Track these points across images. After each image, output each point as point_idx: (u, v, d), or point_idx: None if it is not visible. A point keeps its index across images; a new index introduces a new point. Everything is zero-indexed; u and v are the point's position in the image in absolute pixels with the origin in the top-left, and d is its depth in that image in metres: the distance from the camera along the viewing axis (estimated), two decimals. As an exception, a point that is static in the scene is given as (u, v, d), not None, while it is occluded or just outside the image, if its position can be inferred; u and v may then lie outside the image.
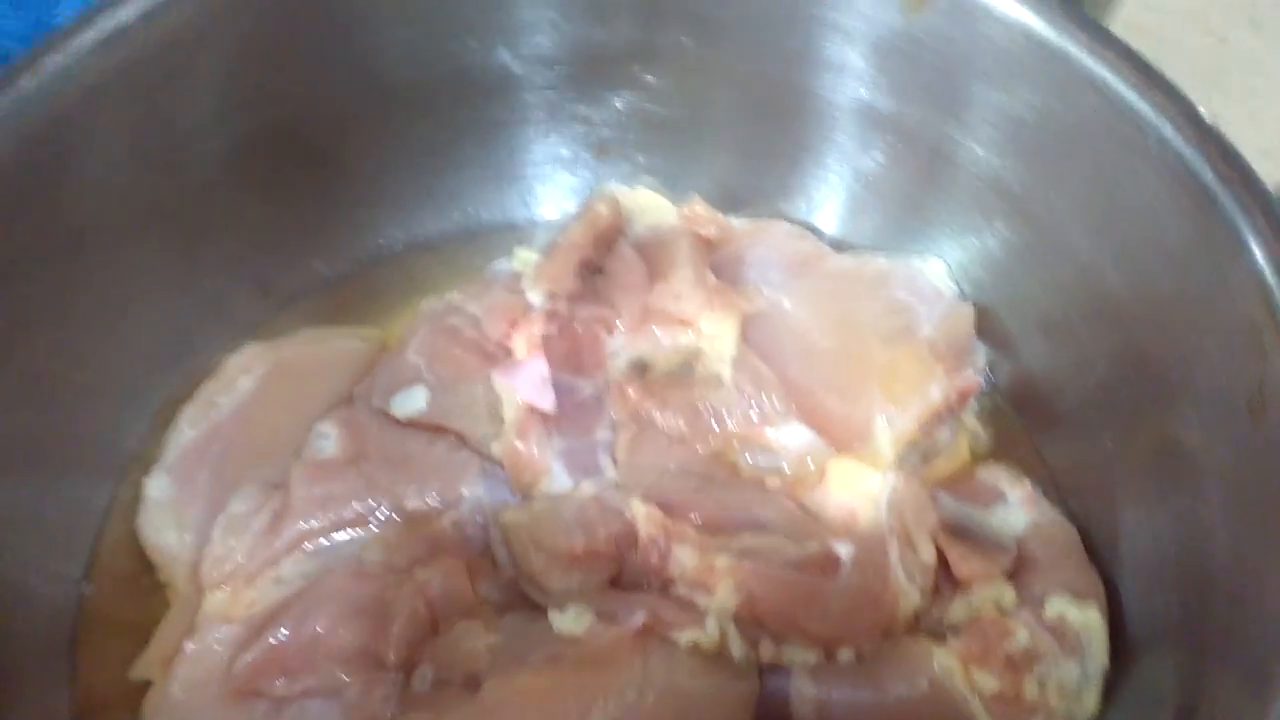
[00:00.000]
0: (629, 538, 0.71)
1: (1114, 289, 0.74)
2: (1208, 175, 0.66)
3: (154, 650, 0.74)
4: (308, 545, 0.76)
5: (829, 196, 0.93)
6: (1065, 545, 0.75)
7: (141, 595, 0.78)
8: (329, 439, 0.81)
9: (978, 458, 0.84)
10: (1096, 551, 0.76)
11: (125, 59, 0.73)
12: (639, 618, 0.68)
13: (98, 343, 0.79)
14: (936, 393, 0.77)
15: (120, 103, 0.74)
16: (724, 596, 0.69)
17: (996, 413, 0.86)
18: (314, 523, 0.76)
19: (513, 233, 0.98)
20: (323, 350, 0.88)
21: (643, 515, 0.71)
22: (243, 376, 0.85)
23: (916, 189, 0.86)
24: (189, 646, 0.72)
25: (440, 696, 0.67)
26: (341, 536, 0.76)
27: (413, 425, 0.80)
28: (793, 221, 0.93)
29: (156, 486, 0.80)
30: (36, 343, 0.74)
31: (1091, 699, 0.70)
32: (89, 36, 0.71)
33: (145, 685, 0.73)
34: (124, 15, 0.72)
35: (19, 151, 0.70)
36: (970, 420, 0.85)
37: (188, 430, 0.82)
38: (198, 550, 0.77)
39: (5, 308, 0.71)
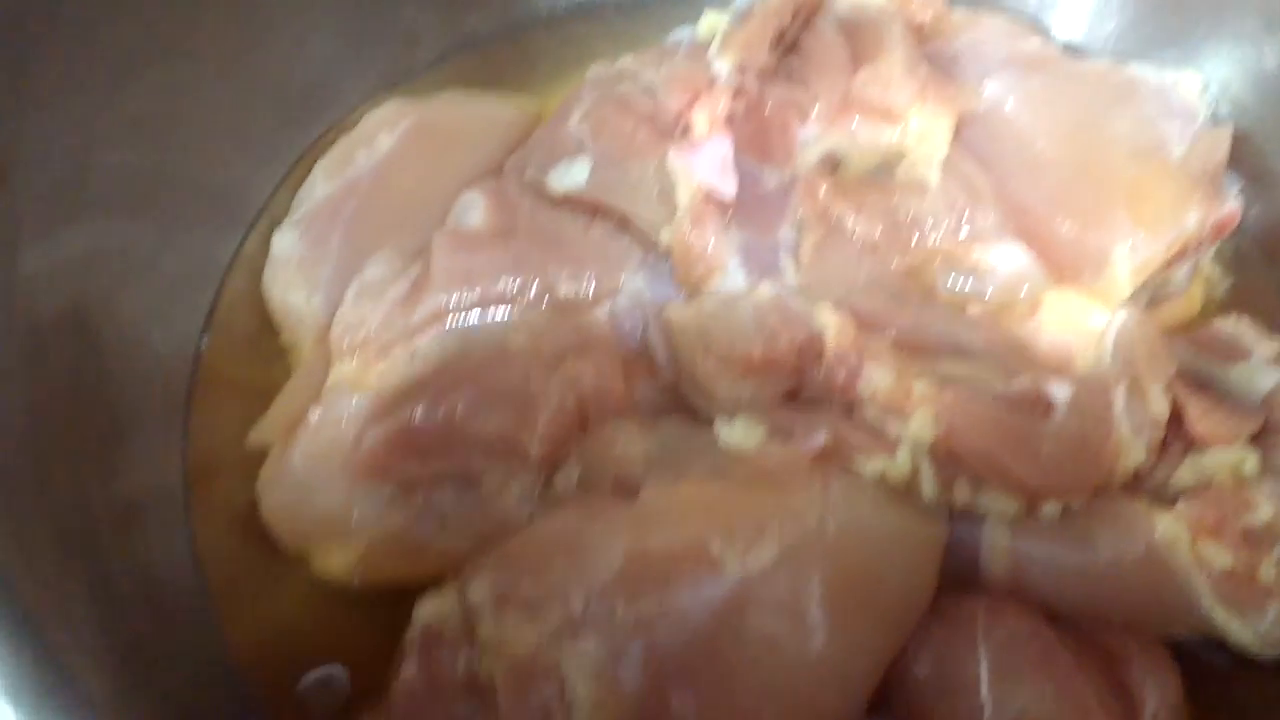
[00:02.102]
0: (813, 349, 0.62)
1: None
2: None
3: (274, 415, 0.68)
4: (447, 321, 0.68)
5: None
6: (1323, 414, 0.64)
7: (262, 357, 0.71)
8: (476, 209, 0.72)
9: (1212, 306, 0.73)
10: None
11: None
12: (820, 437, 0.59)
13: (227, 79, 0.71)
14: (1193, 221, 0.65)
15: None
16: (920, 426, 0.59)
17: (1239, 257, 0.74)
18: (455, 297, 0.68)
19: (688, 5, 0.86)
20: (472, 114, 0.78)
21: (833, 326, 0.62)
22: (384, 133, 0.76)
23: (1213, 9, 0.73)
24: (314, 413, 0.65)
25: (589, 498, 0.59)
26: (484, 316, 0.68)
27: (570, 202, 0.71)
28: (1018, 16, 0.81)
29: (285, 242, 0.72)
30: (155, 75, 0.65)
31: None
32: None
33: (261, 453, 0.67)
34: None
35: None
36: (1207, 264, 0.73)
37: (322, 184, 0.74)
38: (327, 313, 0.70)
39: (122, 31, 0.62)
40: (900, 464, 0.59)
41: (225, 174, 0.73)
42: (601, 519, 0.56)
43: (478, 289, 0.68)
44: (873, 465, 0.59)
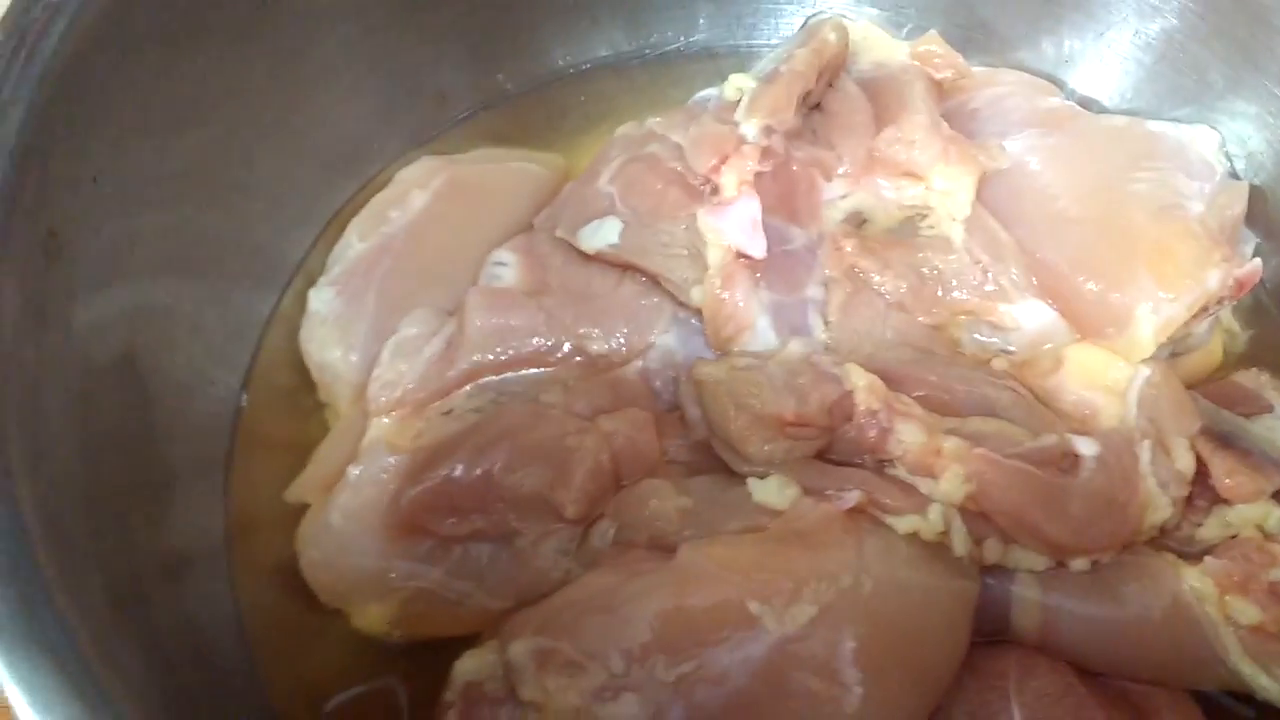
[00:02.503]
0: (844, 408, 0.63)
1: None
2: None
3: (312, 472, 0.69)
4: (482, 379, 0.69)
5: (1088, 49, 0.81)
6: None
7: (299, 413, 0.73)
8: (507, 266, 0.74)
9: (1232, 359, 0.74)
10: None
11: None
12: (853, 496, 0.60)
13: (267, 137, 0.72)
14: (1214, 280, 0.66)
15: None
16: (951, 484, 0.61)
17: (1258, 310, 0.75)
18: (490, 356, 0.69)
19: (710, 61, 0.88)
20: (502, 171, 0.80)
21: (864, 384, 0.63)
22: (416, 190, 0.77)
23: (1207, 51, 0.74)
24: (353, 472, 0.67)
25: (625, 556, 0.60)
26: (519, 373, 0.70)
27: (600, 260, 0.72)
28: (1034, 73, 0.82)
29: (321, 299, 0.74)
30: (207, 129, 0.67)
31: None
32: None
33: (300, 508, 0.68)
34: None
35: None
36: (1227, 317, 0.75)
37: (356, 242, 0.76)
38: (363, 371, 0.71)
39: (183, 81, 0.64)
40: (932, 522, 0.60)
41: (263, 233, 0.74)
42: (639, 578, 0.57)
43: (512, 347, 0.70)
44: (905, 523, 0.60)
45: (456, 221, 0.77)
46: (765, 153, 0.71)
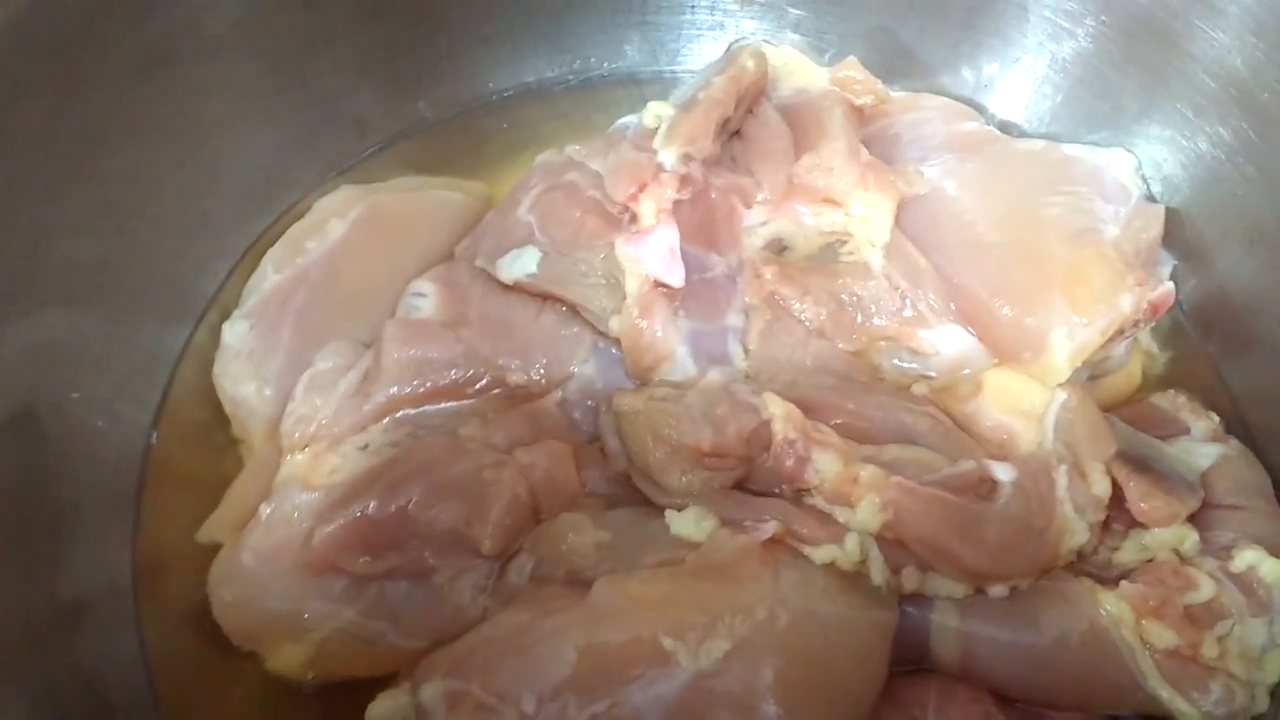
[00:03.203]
0: (761, 438, 0.62)
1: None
2: None
3: (225, 511, 0.67)
4: (399, 412, 0.68)
5: (1005, 73, 0.81)
6: (1256, 489, 0.66)
7: (212, 450, 0.71)
8: (426, 297, 0.73)
9: (1151, 380, 0.75)
10: (1289, 500, 0.66)
11: None
12: (770, 527, 0.60)
13: (175, 170, 0.71)
14: (1127, 304, 0.67)
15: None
16: (868, 513, 0.60)
17: (1176, 332, 0.76)
18: (407, 389, 0.68)
19: (635, 87, 0.88)
20: (422, 200, 0.79)
21: (781, 413, 0.62)
22: (334, 220, 0.76)
23: (1121, 76, 0.75)
24: (265, 511, 0.65)
25: (541, 592, 0.59)
26: (436, 406, 0.69)
27: (520, 290, 0.71)
28: (954, 98, 0.83)
29: (235, 333, 0.72)
30: (110, 164, 0.66)
31: (1276, 665, 0.61)
32: None
33: (213, 549, 0.67)
34: None
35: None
36: (1145, 339, 0.75)
37: (272, 274, 0.74)
38: (278, 405, 0.70)
39: (79, 120, 0.63)
40: (849, 552, 0.60)
41: (176, 264, 0.73)
42: (552, 616, 0.56)
43: (429, 380, 0.69)
44: (822, 553, 0.60)
45: (375, 251, 0.76)
46: (684, 180, 0.70)
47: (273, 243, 0.76)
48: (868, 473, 0.61)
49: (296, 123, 0.78)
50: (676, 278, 0.68)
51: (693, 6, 0.85)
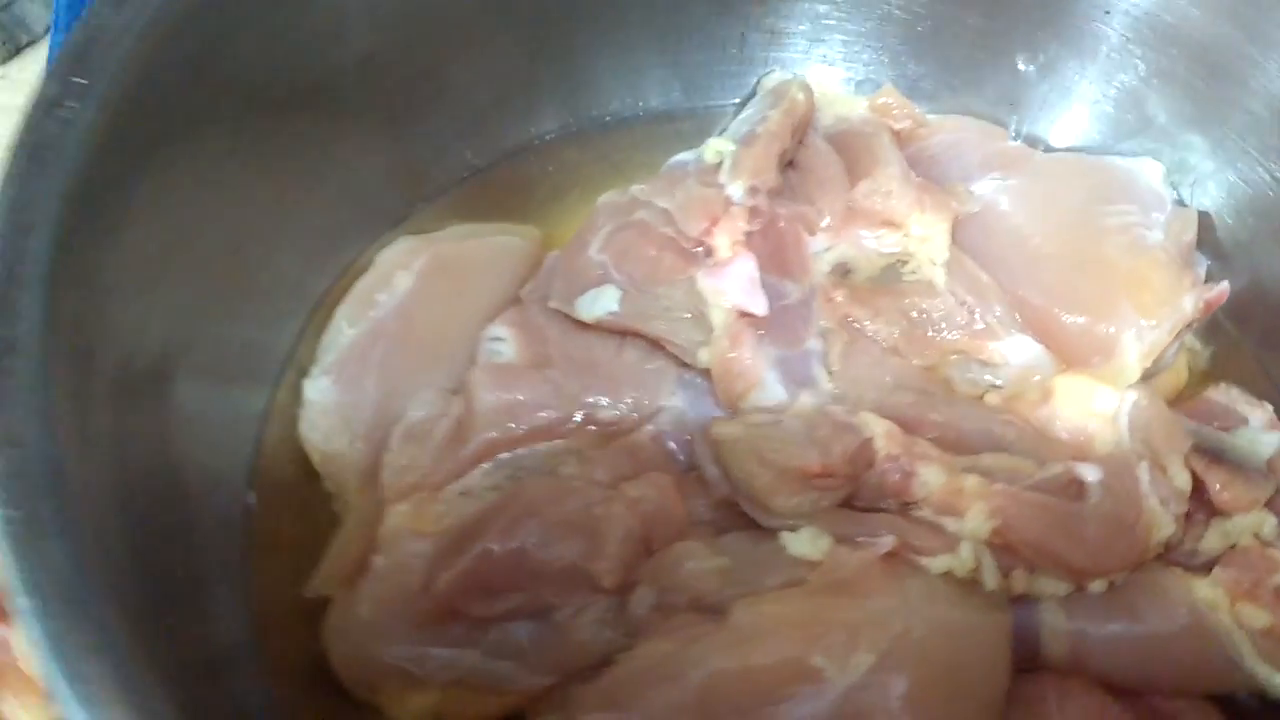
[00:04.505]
0: (866, 455, 0.65)
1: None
2: None
3: (331, 565, 0.68)
4: (496, 456, 0.69)
5: (1028, 91, 0.85)
6: (1323, 472, 0.69)
7: (308, 506, 0.71)
8: (505, 341, 0.74)
9: (1196, 377, 0.79)
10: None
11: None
12: (888, 541, 0.62)
13: (254, 234, 0.71)
14: (1189, 304, 0.71)
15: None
16: (976, 521, 0.63)
17: (1214, 328, 0.80)
18: (501, 432, 0.69)
19: (671, 124, 0.90)
20: (483, 246, 0.80)
21: (882, 431, 0.65)
22: (400, 273, 0.77)
23: (1147, 89, 0.79)
24: (377, 561, 0.66)
25: (671, 621, 0.61)
26: (532, 448, 0.70)
27: (598, 328, 0.73)
28: (980, 117, 0.86)
29: (318, 389, 0.73)
30: (201, 232, 0.66)
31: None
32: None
33: (321, 602, 0.67)
34: None
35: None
36: (1189, 337, 0.79)
37: (347, 329, 0.75)
38: (371, 457, 0.70)
39: (180, 187, 0.63)
40: (964, 559, 0.62)
41: (253, 328, 0.73)
42: (697, 643, 0.58)
43: (523, 422, 0.70)
44: (939, 563, 0.62)
45: (444, 299, 0.77)
46: (753, 212, 0.72)
47: (338, 298, 0.77)
48: (971, 482, 0.64)
49: (354, 177, 0.79)
50: (761, 306, 0.70)
51: (724, 44, 0.88)
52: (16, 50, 1.01)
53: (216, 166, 0.66)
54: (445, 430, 0.70)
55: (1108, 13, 0.78)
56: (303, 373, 0.74)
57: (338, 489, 0.71)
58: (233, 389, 0.71)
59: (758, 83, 0.88)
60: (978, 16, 0.82)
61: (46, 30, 1.00)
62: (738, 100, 0.89)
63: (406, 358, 0.74)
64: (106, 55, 0.55)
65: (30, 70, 1.00)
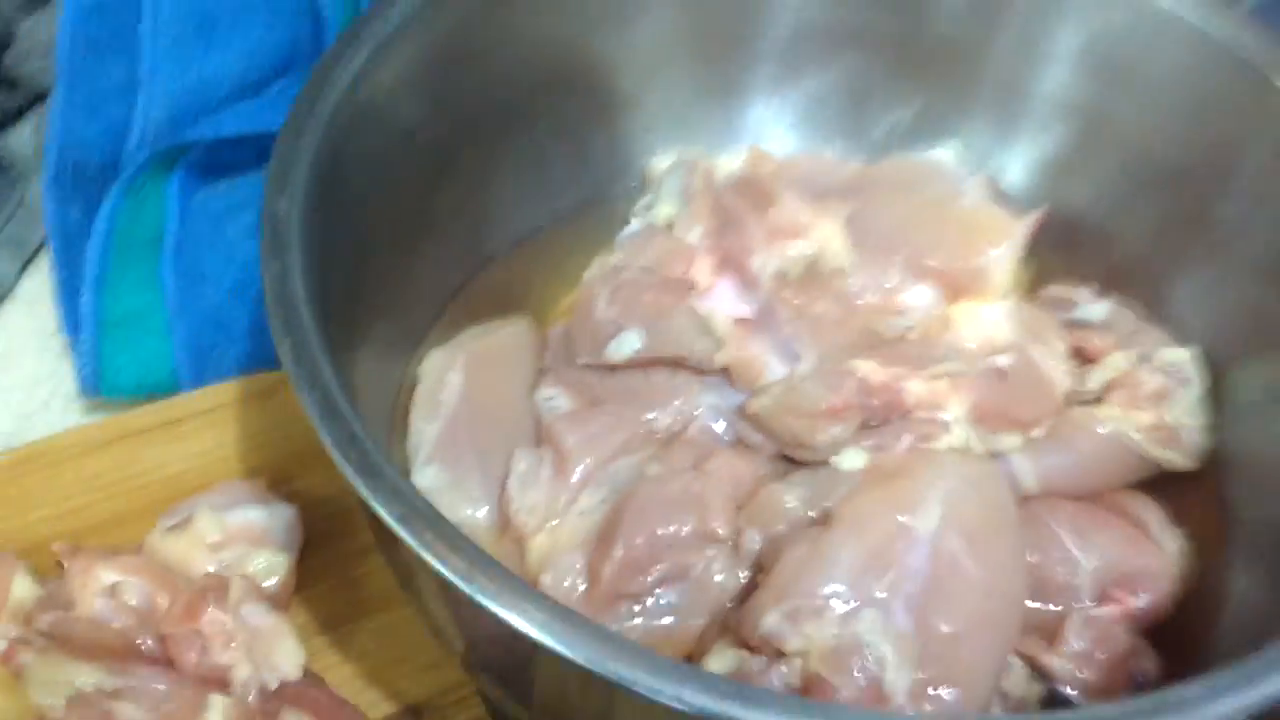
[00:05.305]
0: (865, 388, 0.88)
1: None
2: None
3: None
4: (594, 479, 0.88)
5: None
6: (1141, 319, 0.99)
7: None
8: (558, 399, 0.93)
9: (1028, 284, 1.07)
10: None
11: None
12: (907, 437, 0.86)
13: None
14: (1020, 230, 0.99)
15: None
16: (956, 408, 0.88)
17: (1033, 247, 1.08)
18: (591, 459, 0.88)
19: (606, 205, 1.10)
20: (502, 337, 0.98)
21: (866, 368, 0.88)
22: (449, 373, 0.94)
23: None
24: (546, 580, 0.82)
25: (790, 540, 0.81)
26: (617, 464, 0.88)
27: (624, 367, 0.93)
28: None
29: (427, 477, 0.88)
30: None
31: (1207, 413, 0.93)
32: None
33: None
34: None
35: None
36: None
37: (426, 427, 0.91)
38: (492, 515, 0.87)
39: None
40: (959, 435, 0.87)
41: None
42: (823, 538, 0.78)
43: (604, 448, 0.88)
44: (943, 442, 0.86)
45: (493, 384, 0.94)
46: (710, 249, 0.96)
47: (395, 413, 0.93)
48: (942, 384, 0.89)
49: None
50: (748, 310, 0.93)
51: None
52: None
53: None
54: (548, 472, 0.88)
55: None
56: (405, 473, 0.89)
57: (475, 547, 0.87)
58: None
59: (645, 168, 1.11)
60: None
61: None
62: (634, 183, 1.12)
63: (486, 432, 0.91)
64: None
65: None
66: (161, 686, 0.74)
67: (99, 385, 0.98)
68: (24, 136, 1.07)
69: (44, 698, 0.73)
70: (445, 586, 0.62)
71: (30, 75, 1.09)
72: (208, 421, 0.94)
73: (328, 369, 0.67)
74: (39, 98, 1.09)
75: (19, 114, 1.11)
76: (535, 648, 0.58)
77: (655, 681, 0.55)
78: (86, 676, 0.73)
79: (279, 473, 0.92)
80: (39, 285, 1.10)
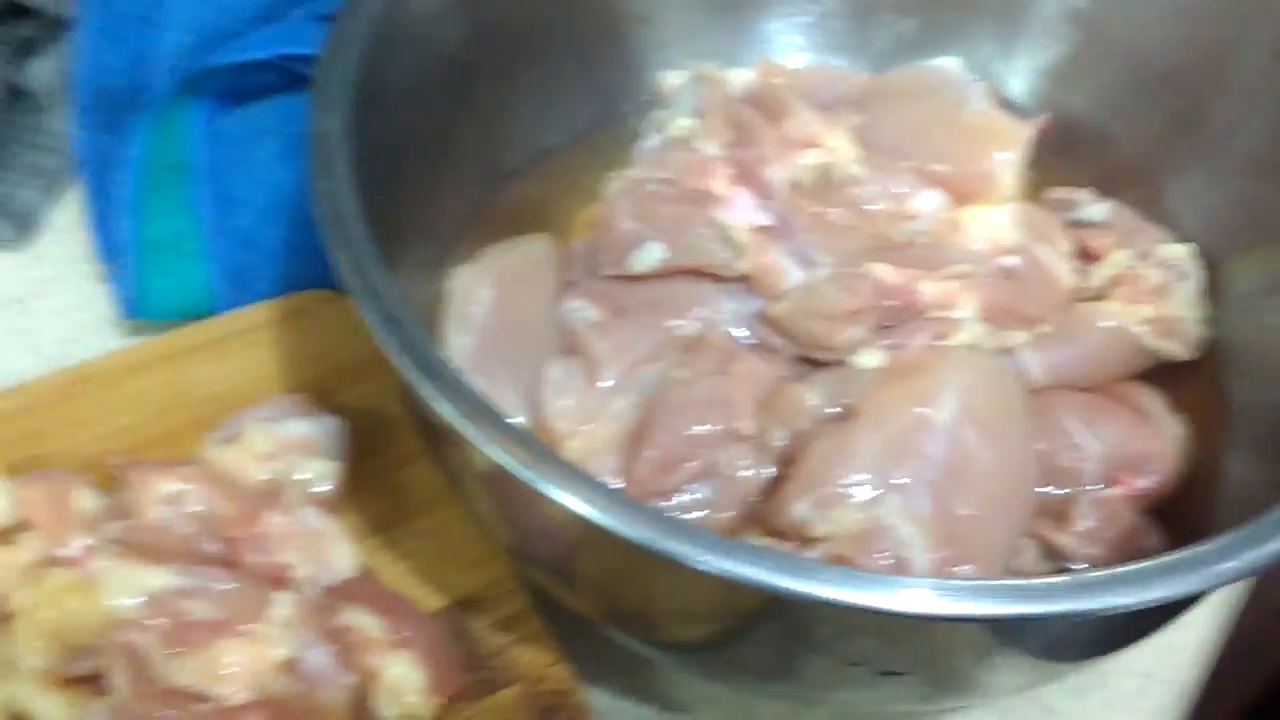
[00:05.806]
0: (880, 290, 0.92)
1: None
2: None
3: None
4: (625, 385, 0.92)
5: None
6: (1140, 218, 1.03)
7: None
8: (585, 310, 0.96)
9: (1032, 188, 1.11)
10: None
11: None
12: (922, 335, 0.90)
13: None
14: (1024, 133, 1.02)
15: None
16: (968, 307, 0.92)
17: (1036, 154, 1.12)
18: (620, 365, 0.92)
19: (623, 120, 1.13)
20: (528, 253, 1.02)
21: (882, 270, 0.92)
22: (478, 289, 0.98)
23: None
24: (584, 479, 0.87)
25: (815, 435, 0.86)
26: (645, 369, 0.93)
27: (650, 277, 0.97)
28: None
29: (464, 387, 0.92)
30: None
31: (1204, 306, 0.98)
32: None
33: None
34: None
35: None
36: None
37: (459, 340, 0.95)
38: (527, 423, 0.91)
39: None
40: (971, 332, 0.91)
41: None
42: (845, 430, 0.83)
43: (631, 356, 0.92)
44: (956, 340, 0.91)
45: (521, 298, 0.98)
46: (728, 160, 0.99)
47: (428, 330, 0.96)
48: (953, 284, 0.93)
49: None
50: (768, 218, 0.96)
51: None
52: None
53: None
54: (579, 379, 0.92)
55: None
56: (445, 382, 0.93)
57: (512, 450, 0.91)
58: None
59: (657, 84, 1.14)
60: None
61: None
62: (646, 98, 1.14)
63: (517, 343, 0.95)
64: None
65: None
66: (229, 586, 0.78)
67: (139, 309, 1.01)
68: (45, 66, 1.09)
69: (118, 599, 0.77)
70: (503, 479, 0.66)
71: (46, 4, 1.10)
72: (248, 341, 0.98)
73: (383, 280, 0.70)
74: (55, 25, 1.10)
75: (36, 44, 1.13)
76: (593, 530, 0.62)
77: (708, 555, 0.60)
78: (158, 578, 0.77)
79: (319, 388, 0.96)
80: (69, 215, 1.12)
